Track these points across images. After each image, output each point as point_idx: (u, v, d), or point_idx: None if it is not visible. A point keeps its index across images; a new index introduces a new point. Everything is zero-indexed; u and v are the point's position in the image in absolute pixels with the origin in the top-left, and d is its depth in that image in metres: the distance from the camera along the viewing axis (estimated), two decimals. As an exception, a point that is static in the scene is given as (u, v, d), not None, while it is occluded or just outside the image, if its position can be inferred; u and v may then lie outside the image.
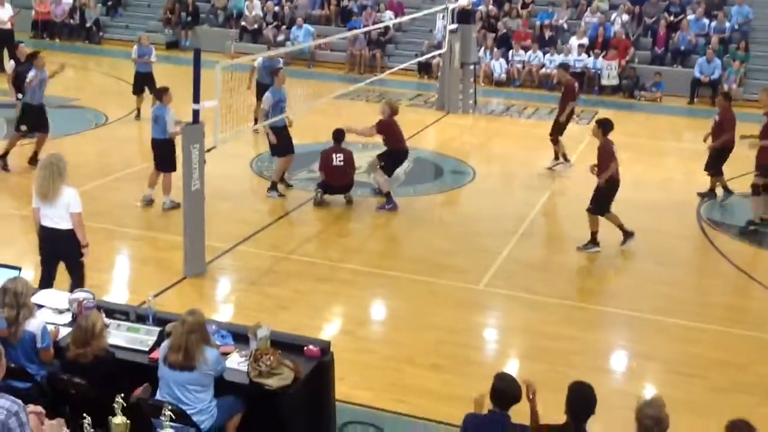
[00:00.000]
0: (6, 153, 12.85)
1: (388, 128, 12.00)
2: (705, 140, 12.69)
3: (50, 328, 5.95)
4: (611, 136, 10.41)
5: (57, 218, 7.52)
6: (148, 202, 11.46)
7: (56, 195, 7.41)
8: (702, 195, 12.83)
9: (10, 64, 14.56)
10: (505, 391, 5.15)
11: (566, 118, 13.83)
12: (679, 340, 8.55)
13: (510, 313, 9.16)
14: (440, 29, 17.01)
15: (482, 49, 21.21)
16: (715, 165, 12.57)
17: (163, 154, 11.21)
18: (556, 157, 14.00)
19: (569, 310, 9.09)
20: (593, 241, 10.51)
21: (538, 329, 8.64)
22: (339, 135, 12.03)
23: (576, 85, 14.35)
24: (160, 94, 11.36)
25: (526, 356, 8.15)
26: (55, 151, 7.81)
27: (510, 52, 21.50)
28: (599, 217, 10.45)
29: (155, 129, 11.19)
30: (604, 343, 8.59)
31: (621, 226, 10.56)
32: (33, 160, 12.53)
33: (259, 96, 13.62)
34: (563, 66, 14.97)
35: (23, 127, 12.79)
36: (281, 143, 12.06)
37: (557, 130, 13.93)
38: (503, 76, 21.33)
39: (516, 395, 5.15)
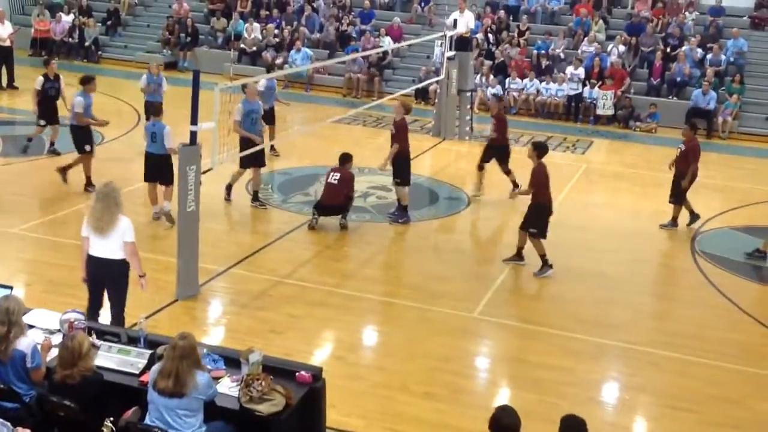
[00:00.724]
0: (67, 168, 12.79)
1: (403, 129, 12.38)
2: (670, 167, 12.95)
3: (41, 337, 5.90)
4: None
5: (109, 248, 7.30)
6: (165, 215, 11.53)
7: (112, 227, 7.22)
8: (663, 226, 12.90)
9: (38, 80, 14.07)
10: (508, 425, 5.09)
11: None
12: (673, 374, 8.51)
13: (503, 342, 9.12)
14: (438, 56, 17.12)
15: (479, 76, 21.32)
16: (678, 194, 12.71)
17: (163, 167, 11.34)
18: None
19: (563, 340, 9.05)
20: (545, 264, 10.67)
21: (532, 359, 8.60)
22: (343, 158, 12.04)
23: (506, 118, 14.44)
24: (157, 110, 11.52)
25: (519, 386, 8.10)
26: (110, 180, 7.58)
27: (507, 80, 21.60)
28: (537, 240, 10.67)
29: (153, 145, 11.31)
30: (597, 374, 8.54)
31: (543, 255, 10.68)
32: (89, 184, 12.51)
33: (265, 120, 13.79)
34: (497, 97, 14.87)
35: (87, 147, 12.61)
36: (253, 154, 11.94)
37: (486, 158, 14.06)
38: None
39: (517, 428, 5.10)
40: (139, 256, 7.45)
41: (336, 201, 11.86)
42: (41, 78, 14.04)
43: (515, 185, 13.54)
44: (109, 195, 7.23)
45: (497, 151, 13.86)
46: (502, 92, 21.06)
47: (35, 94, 14.10)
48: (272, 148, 14.85)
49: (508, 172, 13.88)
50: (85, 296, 7.69)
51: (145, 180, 11.80)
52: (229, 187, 12.63)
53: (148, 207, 11.74)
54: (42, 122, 14.16)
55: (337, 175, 11.90)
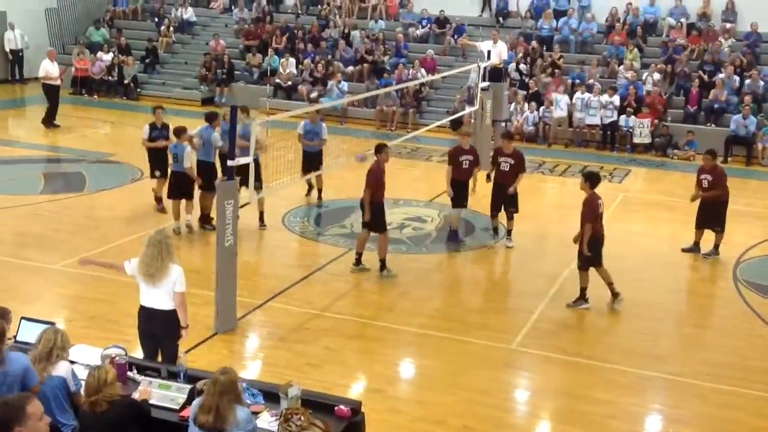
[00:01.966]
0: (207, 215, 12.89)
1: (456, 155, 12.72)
2: (692, 199, 12.79)
3: (84, 373, 5.90)
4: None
5: (160, 298, 7.09)
6: (189, 226, 12.64)
7: (163, 275, 7.00)
8: (686, 250, 12.80)
9: (144, 130, 13.46)
10: None
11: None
12: (718, 406, 8.33)
13: (543, 375, 9.00)
14: (473, 79, 17.23)
15: (513, 105, 21.34)
16: (706, 220, 12.59)
17: (186, 185, 12.46)
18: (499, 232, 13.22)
19: (604, 372, 8.91)
20: (582, 297, 10.52)
21: (573, 391, 8.47)
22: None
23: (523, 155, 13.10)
24: (180, 132, 12.45)
25: (561, 420, 7.98)
26: (163, 227, 7.55)
27: (541, 108, 21.56)
28: (588, 272, 10.51)
29: (176, 164, 12.42)
30: (641, 407, 8.38)
31: (611, 284, 10.53)
32: (206, 219, 12.86)
33: (307, 161, 13.87)
34: (508, 135, 13.39)
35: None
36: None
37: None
38: (532, 128, 21.42)
39: None
40: (186, 308, 7.24)
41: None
42: (147, 127, 13.43)
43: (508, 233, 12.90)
44: (161, 242, 7.04)
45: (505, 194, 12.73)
46: (537, 119, 21.16)
47: (143, 143, 13.52)
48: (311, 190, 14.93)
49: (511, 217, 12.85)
50: (126, 331, 7.75)
51: (169, 197, 12.73)
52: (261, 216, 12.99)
53: (187, 245, 11.83)
54: (157, 173, 13.43)
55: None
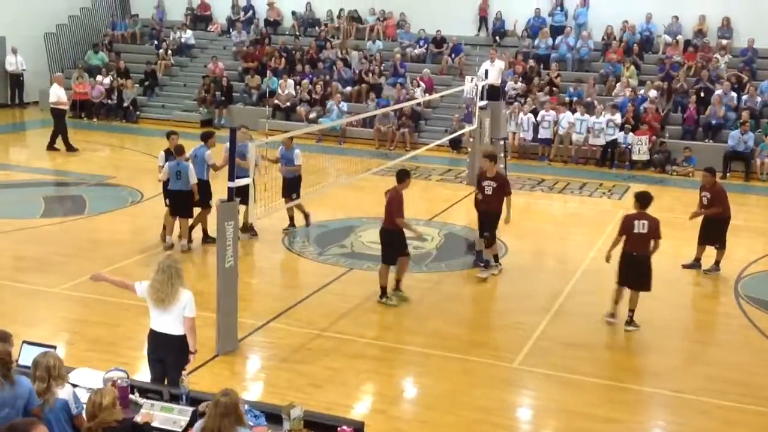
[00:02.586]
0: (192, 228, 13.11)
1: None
2: (691, 218, 12.79)
3: (85, 396, 5.88)
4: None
5: (170, 323, 7.10)
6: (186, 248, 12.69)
7: (173, 300, 7.02)
8: (686, 266, 12.82)
9: (160, 156, 13.17)
10: None
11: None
12: (722, 422, 8.29)
13: (546, 393, 8.96)
14: (468, 91, 17.29)
15: (513, 122, 21.45)
16: (707, 236, 12.60)
17: (186, 203, 12.63)
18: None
19: (607, 390, 8.88)
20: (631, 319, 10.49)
21: (575, 410, 8.43)
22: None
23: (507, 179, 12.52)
24: (180, 151, 12.56)
25: (564, 438, 7.94)
26: (172, 252, 7.49)
27: (540, 113, 21.65)
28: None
29: (177, 182, 12.48)
30: (645, 424, 8.36)
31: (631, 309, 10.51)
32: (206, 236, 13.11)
33: (284, 188, 13.50)
34: (491, 157, 12.34)
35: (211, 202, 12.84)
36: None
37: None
38: (530, 134, 21.56)
39: None
40: (195, 333, 7.27)
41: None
42: (163, 153, 13.10)
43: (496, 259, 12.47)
44: (171, 267, 7.06)
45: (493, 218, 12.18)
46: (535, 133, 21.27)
47: (158, 169, 13.13)
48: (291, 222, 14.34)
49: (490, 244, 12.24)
50: (128, 354, 7.73)
51: (172, 215, 12.80)
52: (247, 227, 12.98)
53: (187, 266, 11.83)
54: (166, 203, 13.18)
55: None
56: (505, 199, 11.93)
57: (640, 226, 10.38)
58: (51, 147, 20.33)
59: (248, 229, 13.15)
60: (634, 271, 10.39)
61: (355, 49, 25.68)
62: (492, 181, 11.95)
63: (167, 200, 12.91)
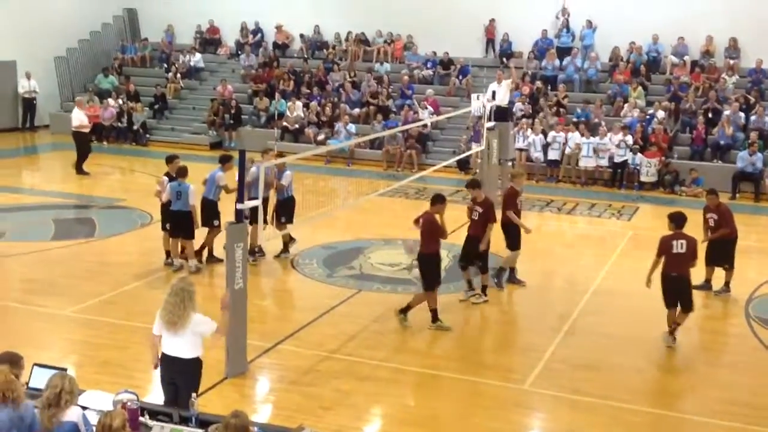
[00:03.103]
0: (202, 250, 13.30)
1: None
2: (702, 241, 12.54)
3: (95, 419, 5.87)
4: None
5: (181, 346, 7.06)
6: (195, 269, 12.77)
7: (184, 323, 6.98)
8: (697, 287, 12.66)
9: (162, 180, 13.07)
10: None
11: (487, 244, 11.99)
12: (735, 444, 8.24)
13: (557, 415, 8.92)
14: (476, 110, 17.43)
15: (522, 139, 21.50)
16: (715, 257, 12.52)
17: (187, 223, 12.74)
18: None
19: (618, 412, 8.82)
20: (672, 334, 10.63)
21: (587, 432, 8.39)
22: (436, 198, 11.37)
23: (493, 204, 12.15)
24: (183, 172, 12.71)
25: (575, 460, 7.89)
26: (186, 275, 7.45)
27: (550, 134, 21.70)
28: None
29: (178, 203, 12.63)
30: (656, 446, 8.30)
31: (674, 326, 10.53)
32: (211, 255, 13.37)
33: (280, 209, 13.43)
34: (474, 184, 12.29)
35: (216, 222, 13.07)
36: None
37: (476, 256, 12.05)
38: (541, 155, 21.62)
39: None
40: (225, 328, 7.50)
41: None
42: (165, 177, 13.04)
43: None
44: (183, 290, 7.03)
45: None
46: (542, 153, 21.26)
47: (156, 193, 13.25)
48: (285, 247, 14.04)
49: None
50: (137, 376, 7.73)
51: (172, 236, 12.91)
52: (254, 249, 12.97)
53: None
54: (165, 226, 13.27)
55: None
56: (487, 225, 11.80)
57: (679, 246, 10.45)
58: (81, 171, 20.39)
59: (254, 252, 13.11)
60: (677, 292, 10.49)
61: (367, 71, 25.76)
62: (479, 207, 11.90)
63: (167, 223, 13.02)
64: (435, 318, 10.97)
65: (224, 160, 13.26)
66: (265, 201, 12.29)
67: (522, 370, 9.75)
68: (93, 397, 6.63)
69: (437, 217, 10.91)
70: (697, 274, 12.87)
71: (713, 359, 10.71)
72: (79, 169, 20.46)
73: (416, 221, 11.14)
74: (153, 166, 22.11)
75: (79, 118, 20.77)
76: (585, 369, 9.96)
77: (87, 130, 21.04)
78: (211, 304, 10.75)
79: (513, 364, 10.03)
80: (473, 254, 11.95)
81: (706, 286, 12.72)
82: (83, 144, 20.72)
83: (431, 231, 10.84)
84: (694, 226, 16.64)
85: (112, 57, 29.09)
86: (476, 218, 11.94)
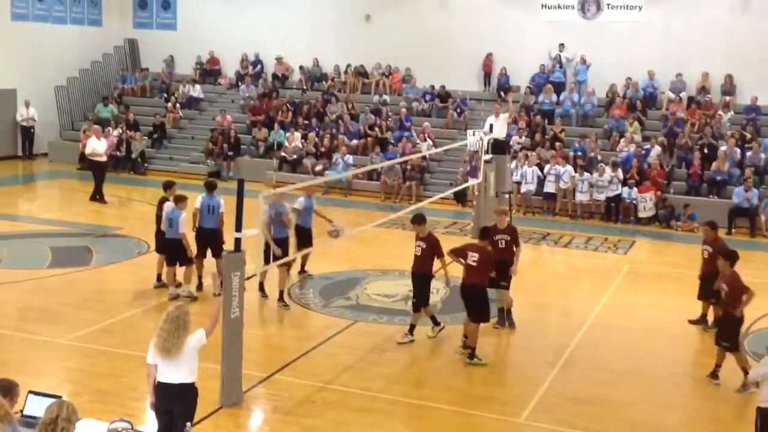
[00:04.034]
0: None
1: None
2: (700, 277, 12.67)
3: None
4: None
5: (175, 373, 7.04)
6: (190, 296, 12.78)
7: (179, 351, 6.94)
8: (693, 322, 12.78)
9: (167, 206, 12.98)
10: None
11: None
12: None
13: (552, 448, 8.89)
14: (472, 144, 17.56)
15: (518, 172, 21.61)
16: (708, 291, 12.44)
17: (180, 250, 12.79)
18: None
19: (614, 445, 8.80)
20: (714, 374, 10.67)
21: (582, 465, 8.35)
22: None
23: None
24: (181, 199, 12.80)
25: (571, 494, 7.84)
26: (181, 303, 7.41)
27: (546, 167, 21.80)
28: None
29: (170, 231, 12.75)
30: (652, 481, 8.26)
31: (745, 369, 10.42)
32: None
33: (298, 236, 13.64)
34: (418, 220, 11.92)
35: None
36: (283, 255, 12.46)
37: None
38: (533, 187, 21.71)
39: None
40: (215, 320, 7.55)
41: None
42: (170, 203, 12.97)
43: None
44: (179, 318, 7.01)
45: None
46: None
47: (155, 219, 13.43)
48: (302, 269, 14.63)
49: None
50: (132, 405, 7.71)
51: (168, 264, 12.96)
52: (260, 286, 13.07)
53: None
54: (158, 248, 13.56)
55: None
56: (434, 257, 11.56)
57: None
58: (101, 199, 20.39)
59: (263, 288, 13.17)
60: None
61: (369, 103, 25.94)
62: (422, 242, 11.57)
63: (164, 248, 13.15)
64: (472, 354, 10.92)
65: (211, 187, 13.27)
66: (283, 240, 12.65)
67: (518, 402, 9.72)
68: (87, 426, 6.60)
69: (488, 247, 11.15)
70: (695, 308, 12.91)
71: (709, 394, 10.67)
72: (93, 197, 20.43)
73: (458, 253, 11.14)
74: (151, 195, 22.10)
75: (92, 146, 20.90)
76: (581, 402, 9.94)
77: (100, 158, 20.96)
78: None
79: (508, 396, 10.00)
80: (419, 292, 11.61)
81: (702, 320, 12.72)
82: (97, 173, 20.72)
83: (488, 263, 10.96)
84: (688, 261, 16.72)
85: (113, 86, 29.26)
86: (419, 254, 11.59)
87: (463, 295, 11.16)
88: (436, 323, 11.93)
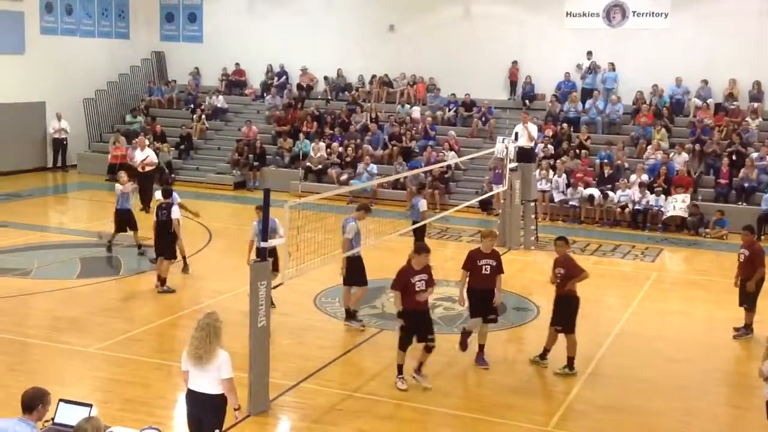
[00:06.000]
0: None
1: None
2: (735, 284, 12.55)
3: None
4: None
5: (207, 382, 7.11)
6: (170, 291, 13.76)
7: (211, 358, 7.03)
8: (738, 329, 12.59)
9: (174, 210, 14.14)
10: None
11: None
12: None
13: (580, 457, 8.84)
14: (500, 151, 17.57)
15: (543, 180, 21.54)
16: (750, 299, 12.35)
17: (169, 242, 13.89)
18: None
19: (643, 454, 8.73)
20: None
21: (611, 474, 8.29)
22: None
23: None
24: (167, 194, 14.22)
25: (600, 503, 7.79)
26: (212, 311, 7.48)
27: (569, 190, 21.70)
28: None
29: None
30: (682, 490, 8.18)
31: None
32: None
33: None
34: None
35: None
36: (357, 272, 12.45)
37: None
38: (561, 196, 21.70)
39: None
40: (236, 392, 7.27)
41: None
42: (176, 207, 14.26)
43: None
44: (210, 325, 7.09)
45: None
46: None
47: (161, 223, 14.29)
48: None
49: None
50: (161, 413, 7.77)
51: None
52: (349, 312, 12.72)
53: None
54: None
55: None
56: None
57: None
58: (144, 209, 20.28)
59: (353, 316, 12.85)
60: None
61: (393, 113, 26.01)
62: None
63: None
64: (571, 365, 10.87)
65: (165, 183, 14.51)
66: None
67: (546, 411, 9.68)
68: (118, 433, 6.68)
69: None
70: (724, 315, 12.76)
71: (738, 402, 10.57)
72: (144, 208, 20.33)
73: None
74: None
75: (149, 157, 21.17)
76: (609, 410, 9.87)
77: (150, 169, 21.05)
78: (236, 343, 10.83)
79: (536, 405, 9.96)
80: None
81: (747, 330, 12.52)
82: (143, 181, 20.71)
83: (572, 272, 10.94)
84: (718, 269, 16.55)
85: (140, 99, 29.58)
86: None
87: (556, 305, 11.09)
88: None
